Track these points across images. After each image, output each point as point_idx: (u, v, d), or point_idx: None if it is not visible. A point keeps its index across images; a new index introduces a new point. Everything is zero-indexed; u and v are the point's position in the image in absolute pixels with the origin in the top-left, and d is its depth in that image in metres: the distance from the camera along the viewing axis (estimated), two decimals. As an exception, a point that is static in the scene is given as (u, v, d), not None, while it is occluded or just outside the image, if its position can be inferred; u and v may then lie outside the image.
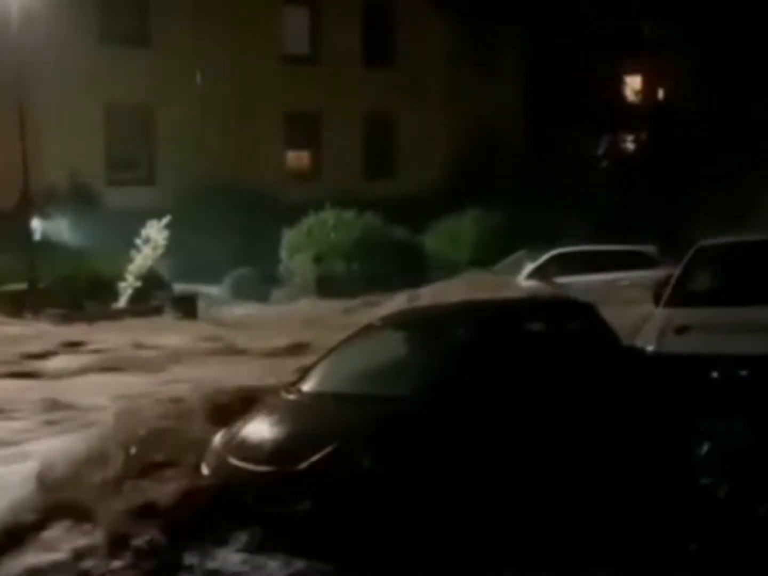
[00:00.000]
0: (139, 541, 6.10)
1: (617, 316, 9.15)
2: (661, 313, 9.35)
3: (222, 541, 6.19)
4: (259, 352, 13.44)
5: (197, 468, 6.86)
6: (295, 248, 22.86)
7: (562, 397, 7.03)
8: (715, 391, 7.46)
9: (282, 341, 13.93)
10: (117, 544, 6.10)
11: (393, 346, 7.82)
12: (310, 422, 6.95)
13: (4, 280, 17.31)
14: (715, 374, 7.67)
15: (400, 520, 6.08)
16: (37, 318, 16.12)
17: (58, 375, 12.18)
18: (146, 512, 6.32)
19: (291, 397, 7.51)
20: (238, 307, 20.53)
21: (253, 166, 24.86)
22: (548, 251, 18.52)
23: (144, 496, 6.47)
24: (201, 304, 19.25)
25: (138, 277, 18.72)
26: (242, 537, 6.17)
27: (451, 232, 24.72)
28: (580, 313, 8.27)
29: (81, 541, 6.20)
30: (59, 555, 6.10)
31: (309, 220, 23.11)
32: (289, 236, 23.09)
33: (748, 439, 7.12)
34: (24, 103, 17.40)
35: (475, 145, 29.94)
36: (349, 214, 23.17)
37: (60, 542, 6.23)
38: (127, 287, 18.71)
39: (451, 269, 22.25)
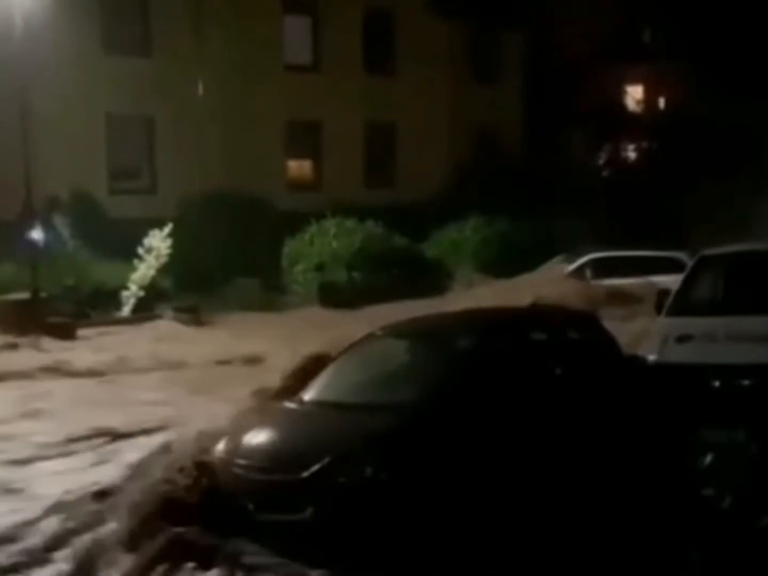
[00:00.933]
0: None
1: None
2: (663, 322, 9.36)
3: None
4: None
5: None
6: (296, 257, 22.87)
7: (564, 407, 7.03)
8: (717, 401, 7.47)
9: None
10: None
11: (395, 354, 7.84)
12: (312, 431, 6.96)
13: (7, 290, 17.32)
14: (716, 383, 7.68)
15: (402, 527, 6.08)
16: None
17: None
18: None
19: (293, 405, 7.53)
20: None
21: (255, 175, 24.85)
22: (584, 256, 19.19)
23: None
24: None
25: (141, 287, 18.72)
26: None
27: (452, 241, 24.74)
28: (582, 323, 8.28)
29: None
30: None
31: (310, 229, 23.13)
32: (290, 245, 23.10)
33: (750, 449, 7.11)
34: (26, 113, 17.42)
35: (475, 153, 29.99)
36: (350, 223, 23.19)
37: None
38: (130, 296, 18.71)
39: (460, 279, 22.38)
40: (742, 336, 8.32)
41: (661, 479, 6.84)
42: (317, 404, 7.39)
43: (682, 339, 8.58)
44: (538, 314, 9.21)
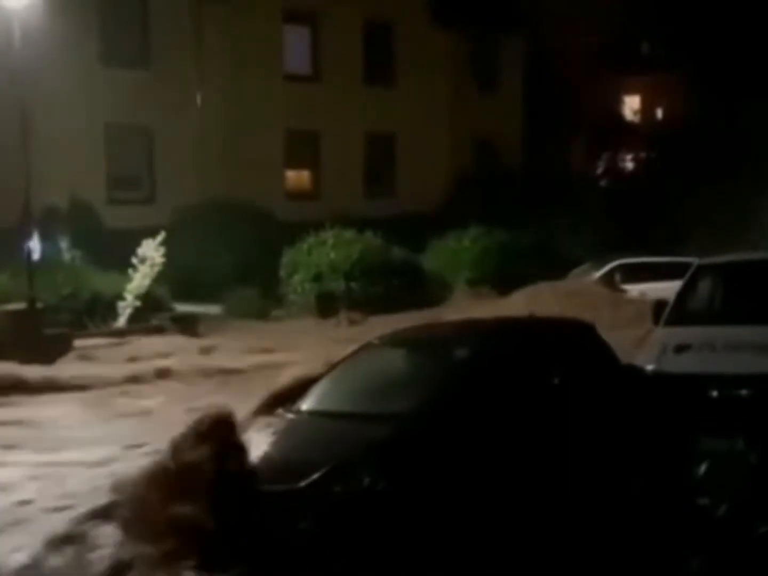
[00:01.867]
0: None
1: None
2: (660, 332, 9.35)
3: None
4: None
5: None
6: (294, 267, 22.88)
7: (562, 416, 7.03)
8: (715, 411, 7.46)
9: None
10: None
11: (392, 364, 7.83)
12: (309, 440, 6.95)
13: (3, 300, 17.28)
14: (714, 393, 7.67)
15: (400, 536, 6.07)
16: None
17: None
18: None
19: (290, 415, 7.51)
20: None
21: (254, 184, 24.89)
22: (611, 262, 20.26)
23: None
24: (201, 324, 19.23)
25: (137, 296, 18.68)
26: None
27: (451, 251, 24.75)
28: (579, 333, 8.27)
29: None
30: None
31: (309, 239, 23.14)
32: (288, 255, 23.12)
33: (747, 458, 7.10)
34: (25, 123, 17.44)
35: (475, 163, 30.06)
36: (349, 233, 23.20)
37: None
38: (126, 306, 18.68)
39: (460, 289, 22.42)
40: (740, 346, 8.31)
41: (657, 488, 6.83)
42: (315, 414, 7.38)
43: (680, 348, 8.57)
44: (536, 324, 9.20)
